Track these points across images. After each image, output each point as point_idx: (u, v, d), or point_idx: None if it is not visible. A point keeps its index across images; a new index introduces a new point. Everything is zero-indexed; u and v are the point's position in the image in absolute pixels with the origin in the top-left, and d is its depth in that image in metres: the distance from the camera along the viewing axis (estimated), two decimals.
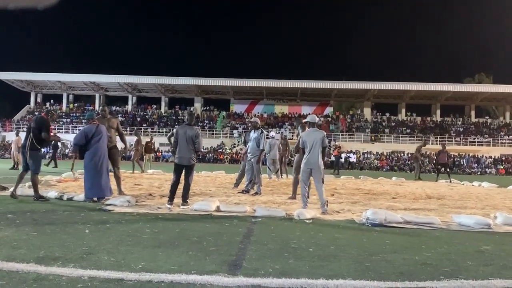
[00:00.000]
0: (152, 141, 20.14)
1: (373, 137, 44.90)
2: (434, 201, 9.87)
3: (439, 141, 43.17)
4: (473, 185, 16.36)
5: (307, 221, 6.29)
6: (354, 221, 6.45)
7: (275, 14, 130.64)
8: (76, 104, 52.73)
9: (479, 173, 36.79)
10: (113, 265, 3.53)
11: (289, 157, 19.01)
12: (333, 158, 27.65)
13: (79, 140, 7.99)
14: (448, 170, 19.55)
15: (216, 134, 45.42)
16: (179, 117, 48.29)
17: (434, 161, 24.48)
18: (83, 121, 46.42)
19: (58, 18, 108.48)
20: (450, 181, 18.05)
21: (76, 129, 43.69)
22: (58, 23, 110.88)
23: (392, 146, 42.84)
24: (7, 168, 17.34)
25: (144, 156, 19.99)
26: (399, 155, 40.74)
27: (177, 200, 7.36)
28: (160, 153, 39.91)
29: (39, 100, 51.94)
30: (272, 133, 16.15)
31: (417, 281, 3.33)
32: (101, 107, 9.59)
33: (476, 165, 38.80)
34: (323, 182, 7.39)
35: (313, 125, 7.73)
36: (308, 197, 7.68)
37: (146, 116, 49.79)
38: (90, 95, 53.55)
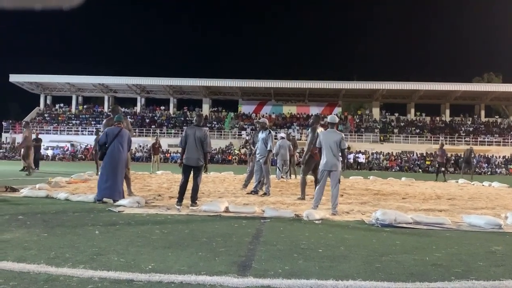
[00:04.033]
0: (158, 142, 20.05)
1: (382, 137, 44.67)
2: (444, 201, 9.81)
3: (449, 141, 42.92)
4: (483, 185, 16.24)
5: (316, 221, 6.28)
6: (364, 222, 6.43)
7: (283, 14, 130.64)
8: (85, 106, 53.03)
9: (489, 173, 36.46)
10: (123, 266, 3.54)
11: (298, 158, 18.96)
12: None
13: (102, 140, 8.05)
14: (443, 169, 19.86)
15: (224, 135, 45.48)
16: (187, 118, 48.42)
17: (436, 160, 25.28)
18: (92, 122, 46.77)
19: (66, 20, 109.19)
20: (445, 180, 18.46)
21: (86, 131, 44.07)
22: (67, 25, 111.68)
23: (401, 146, 42.58)
24: (17, 169, 17.47)
25: (152, 157, 19.99)
26: (408, 155, 40.49)
27: (186, 201, 7.38)
28: (168, 154, 40.04)
29: (48, 102, 52.33)
30: (282, 134, 16.16)
31: (427, 282, 3.31)
32: (110, 108, 9.63)
33: (486, 165, 38.46)
34: (339, 182, 7.37)
35: (332, 125, 7.67)
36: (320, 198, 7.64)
37: (155, 118, 49.96)
38: (99, 97, 53.89)
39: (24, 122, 20.92)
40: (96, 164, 15.97)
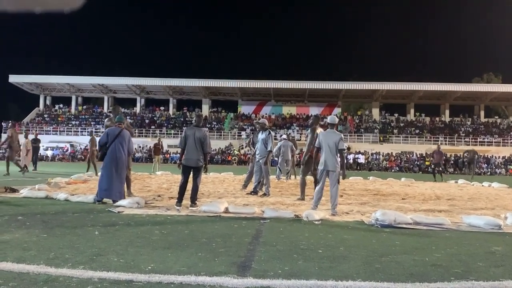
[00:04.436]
0: (160, 143, 20.11)
1: (381, 138, 44.67)
2: (443, 201, 9.82)
3: (448, 141, 42.94)
4: (483, 185, 16.24)
5: (316, 222, 6.28)
6: (363, 222, 6.43)
7: (283, 15, 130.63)
8: (85, 107, 53.04)
9: (489, 173, 36.48)
10: (123, 266, 3.54)
11: (297, 159, 18.98)
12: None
13: (103, 140, 8.00)
14: (440, 169, 20.22)
15: (224, 135, 45.48)
16: (187, 119, 48.42)
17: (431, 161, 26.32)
18: (91, 123, 46.77)
19: (66, 20, 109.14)
20: (442, 180, 18.85)
21: (85, 131, 44.03)
22: (66, 26, 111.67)
23: (401, 147, 42.59)
24: (17, 170, 17.46)
25: (154, 158, 20.04)
26: (408, 155, 40.52)
27: (186, 201, 7.38)
28: (168, 155, 40.04)
29: (48, 102, 52.34)
30: (284, 136, 16.19)
31: (427, 283, 3.31)
32: (111, 108, 9.63)
33: (485, 165, 38.47)
34: (338, 183, 7.35)
35: (332, 126, 7.65)
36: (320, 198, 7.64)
37: (154, 118, 49.96)
38: (99, 97, 53.89)
39: (10, 123, 20.83)
40: (94, 165, 16.07)
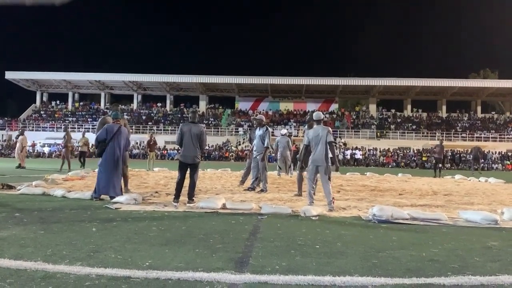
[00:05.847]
0: (153, 138, 19.81)
1: (378, 134, 44.75)
2: (440, 197, 9.84)
3: (445, 137, 43.03)
4: (479, 180, 16.29)
5: (313, 218, 6.29)
6: (361, 218, 6.44)
7: (281, 11, 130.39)
8: (81, 103, 52.91)
9: (485, 168, 36.57)
10: (120, 263, 3.54)
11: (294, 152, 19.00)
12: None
13: (102, 136, 7.95)
14: (440, 165, 20.29)
15: (221, 131, 45.45)
16: (184, 115, 48.37)
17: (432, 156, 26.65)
18: (88, 119, 46.66)
19: (63, 16, 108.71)
20: (439, 176, 18.90)
21: (82, 128, 43.97)
22: (63, 22, 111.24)
23: (398, 143, 42.69)
24: (14, 167, 17.43)
25: (148, 155, 19.95)
26: (405, 151, 40.59)
27: (183, 198, 7.38)
28: (165, 151, 39.98)
29: (44, 99, 52.18)
30: (284, 131, 16.19)
31: (424, 278, 3.31)
32: (111, 106, 9.61)
33: (482, 160, 38.54)
34: (329, 179, 7.36)
35: (318, 122, 7.69)
36: (314, 193, 7.67)
37: (151, 114, 49.89)
38: (96, 94, 53.74)
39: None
40: (68, 161, 16.52)
